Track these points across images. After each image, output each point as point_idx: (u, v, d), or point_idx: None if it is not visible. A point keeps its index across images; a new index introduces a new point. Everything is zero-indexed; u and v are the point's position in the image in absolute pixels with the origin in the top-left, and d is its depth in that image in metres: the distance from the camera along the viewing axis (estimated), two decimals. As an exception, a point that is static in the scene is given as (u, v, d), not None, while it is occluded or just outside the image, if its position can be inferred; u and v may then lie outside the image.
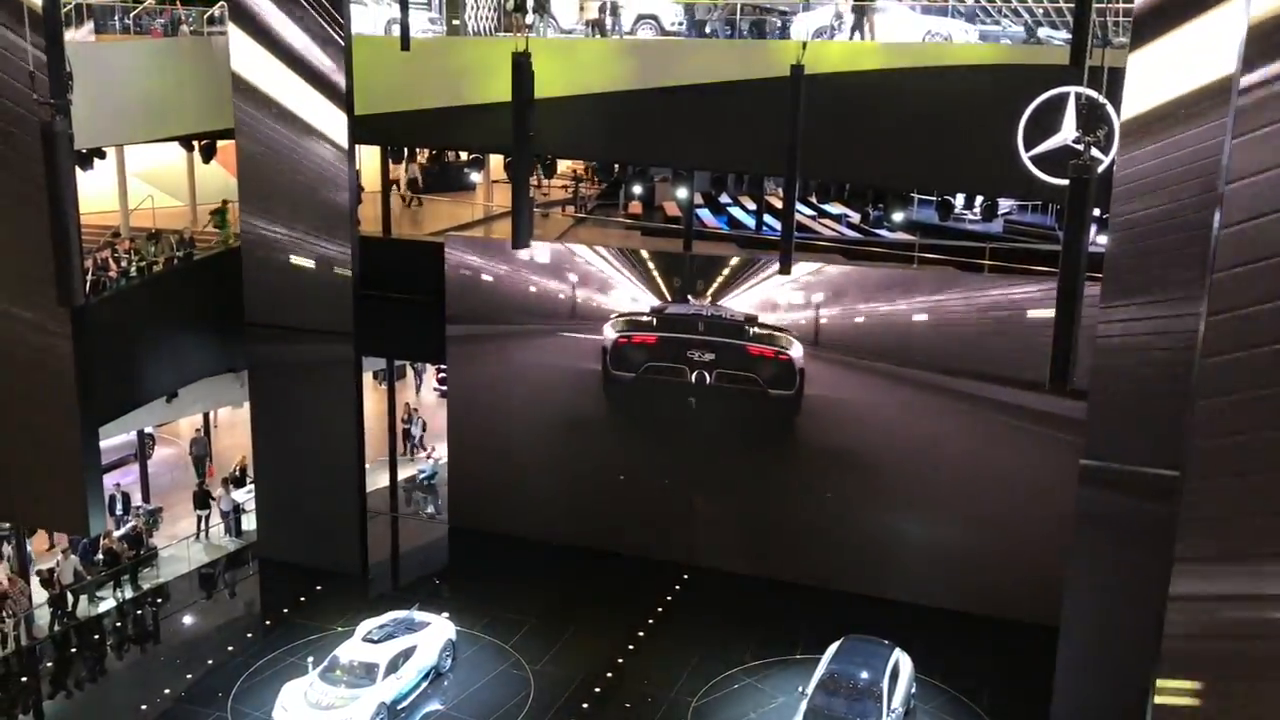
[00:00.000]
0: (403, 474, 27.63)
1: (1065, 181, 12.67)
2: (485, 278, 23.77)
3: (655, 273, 22.85)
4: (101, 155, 21.72)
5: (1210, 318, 11.90)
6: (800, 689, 17.64)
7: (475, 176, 28.69)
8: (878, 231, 28.20)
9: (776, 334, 22.48)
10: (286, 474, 22.92)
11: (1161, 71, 14.29)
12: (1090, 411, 15.84)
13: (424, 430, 29.96)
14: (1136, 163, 14.71)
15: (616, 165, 27.54)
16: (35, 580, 21.18)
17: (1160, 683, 12.88)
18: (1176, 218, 14.44)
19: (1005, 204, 28.51)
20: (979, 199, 26.47)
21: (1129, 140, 14.75)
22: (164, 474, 27.90)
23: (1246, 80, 11.39)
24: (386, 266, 23.28)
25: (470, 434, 24.72)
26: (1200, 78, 13.92)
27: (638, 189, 27.06)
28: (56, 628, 20.97)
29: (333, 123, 20.72)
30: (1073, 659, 16.48)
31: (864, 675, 17.47)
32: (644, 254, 23.29)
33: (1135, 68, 14.51)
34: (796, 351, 22.19)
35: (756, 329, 22.54)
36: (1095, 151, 12.50)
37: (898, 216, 26.95)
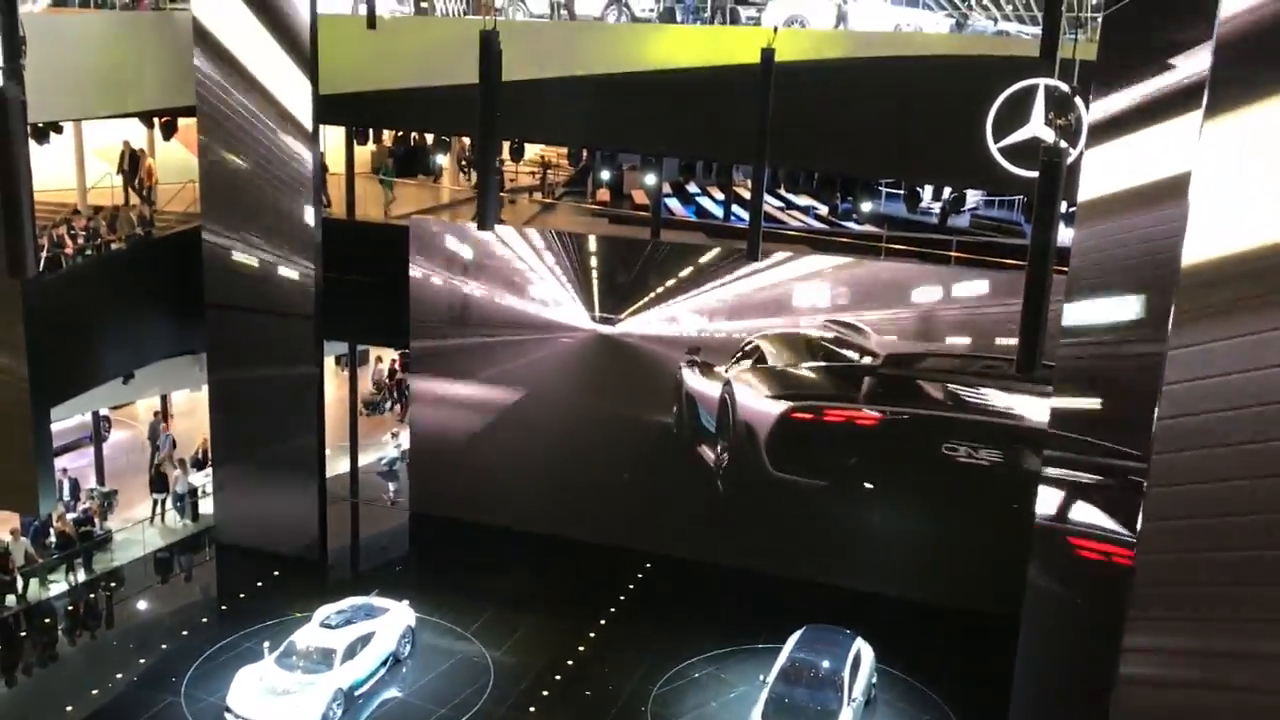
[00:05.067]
0: (364, 460, 27.35)
1: (1034, 174, 12.69)
2: (447, 283, 23.41)
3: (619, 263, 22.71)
4: (58, 130, 21.27)
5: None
6: (761, 678, 17.61)
7: (441, 160, 28.41)
8: (845, 224, 28.22)
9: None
10: (245, 458, 22.63)
11: (1131, 68, 14.30)
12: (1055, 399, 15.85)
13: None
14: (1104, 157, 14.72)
15: (585, 151, 27.36)
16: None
17: (1124, 670, 12.97)
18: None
19: (972, 199, 28.63)
20: (946, 192, 26.54)
21: (1097, 137, 14.76)
22: (119, 457, 27.44)
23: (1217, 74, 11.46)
24: (350, 249, 22.99)
25: (432, 420, 24.50)
26: (1171, 78, 13.94)
27: (606, 175, 26.87)
28: (6, 610, 20.57)
29: (297, 102, 20.43)
30: (1033, 648, 16.52)
31: (825, 664, 17.46)
32: (591, 242, 23.11)
33: (1105, 62, 14.51)
34: None
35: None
36: (1064, 143, 12.52)
37: (865, 208, 26.99)
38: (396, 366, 32.07)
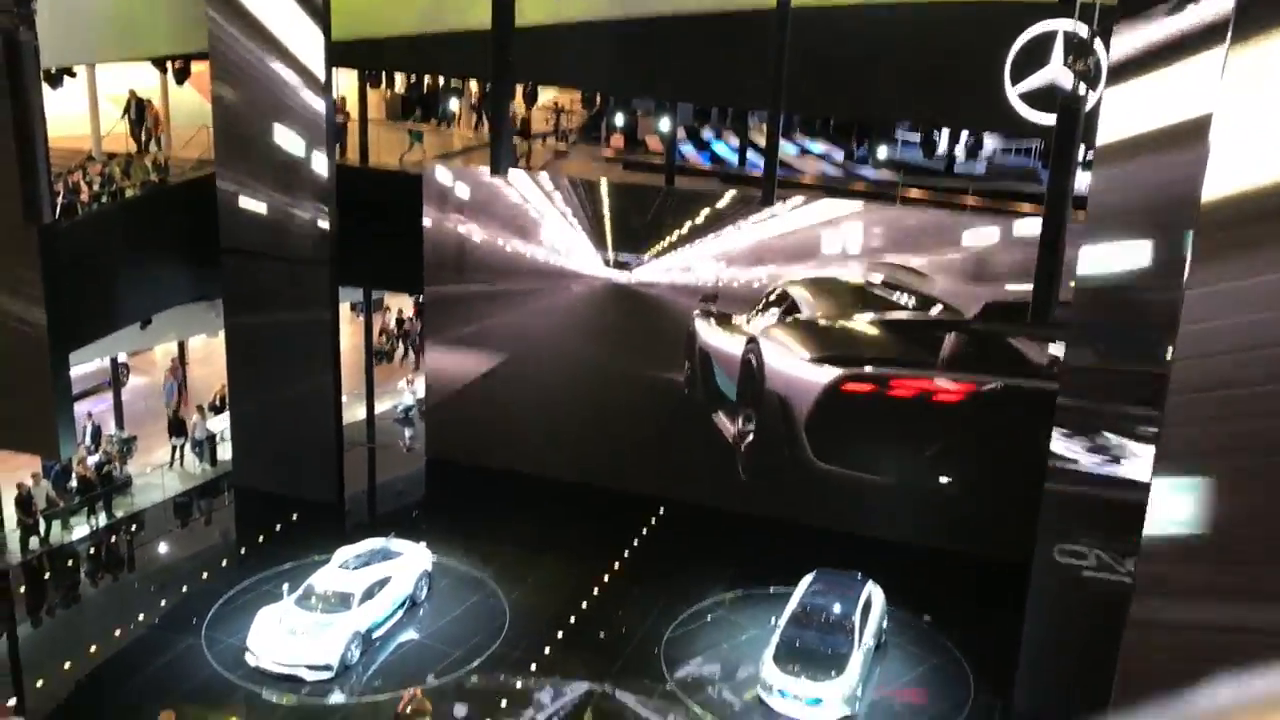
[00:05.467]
0: (380, 406, 27.53)
1: (1052, 119, 12.60)
2: (461, 229, 23.32)
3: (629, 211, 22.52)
4: (71, 74, 21.23)
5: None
6: (773, 621, 17.80)
7: (454, 105, 28.26)
8: (861, 170, 28.05)
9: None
10: (262, 403, 22.78)
11: (1151, 7, 14.11)
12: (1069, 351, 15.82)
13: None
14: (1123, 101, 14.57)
15: (599, 97, 27.19)
16: (9, 503, 21.01)
17: (1133, 613, 13.05)
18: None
19: (989, 146, 28.39)
20: (963, 138, 26.33)
21: (1116, 78, 14.60)
22: (138, 402, 27.68)
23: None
24: (364, 196, 22.95)
25: (447, 366, 24.57)
26: (1191, 17, 13.76)
27: (620, 121, 26.70)
28: (29, 553, 20.88)
29: (310, 46, 20.28)
30: (1045, 594, 16.65)
31: (836, 608, 17.62)
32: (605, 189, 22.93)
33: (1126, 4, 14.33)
34: None
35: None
36: (1083, 88, 12.40)
37: (882, 154, 26.81)
38: (404, 315, 32.05)
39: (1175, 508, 12.72)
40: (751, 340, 21.51)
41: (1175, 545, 12.96)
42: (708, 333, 22.38)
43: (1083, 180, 16.29)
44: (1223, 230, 11.72)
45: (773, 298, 21.42)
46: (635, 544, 21.87)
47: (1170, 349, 12.40)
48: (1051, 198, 12.39)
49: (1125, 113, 14.07)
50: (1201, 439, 12.42)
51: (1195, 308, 11.95)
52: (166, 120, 24.81)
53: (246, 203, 21.43)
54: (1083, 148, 15.23)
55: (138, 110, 23.78)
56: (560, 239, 22.96)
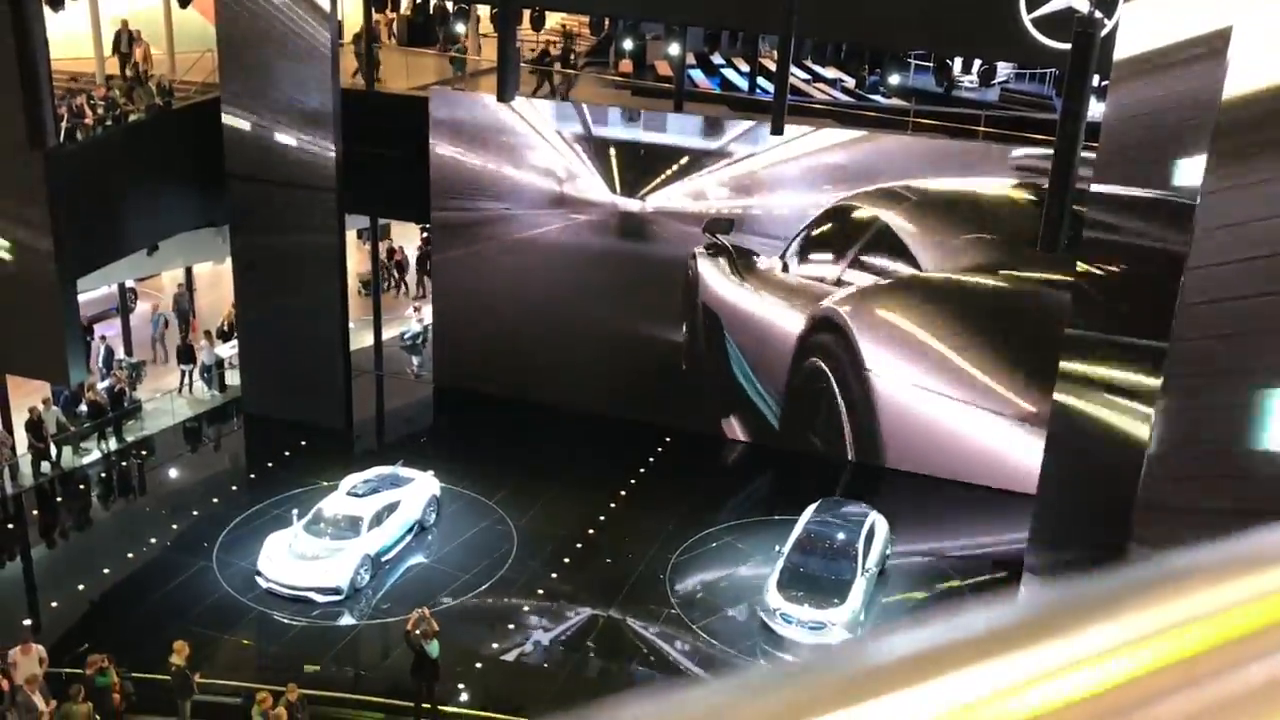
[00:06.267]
0: (387, 334, 27.56)
1: (1067, 45, 12.40)
2: (470, 162, 23.11)
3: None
4: (73, -4, 20.96)
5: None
6: (777, 548, 17.98)
7: (461, 28, 27.87)
8: (872, 97, 27.70)
9: None
10: (270, 330, 22.81)
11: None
12: (1078, 281, 15.75)
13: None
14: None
15: (607, 21, 26.78)
16: (21, 428, 21.18)
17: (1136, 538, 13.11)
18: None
19: (1003, 72, 27.98)
20: (976, 65, 25.94)
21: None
22: (146, 328, 27.73)
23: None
24: (369, 121, 22.75)
25: (456, 294, 24.53)
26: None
27: (629, 45, 26.32)
28: (41, 477, 21.09)
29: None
30: (1046, 523, 16.75)
31: (840, 535, 17.80)
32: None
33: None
34: None
35: None
36: (1099, 13, 12.19)
37: (894, 81, 26.46)
38: (394, 245, 31.40)
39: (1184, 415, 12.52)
40: (823, 319, 21.58)
41: (1179, 459, 12.84)
42: (718, 282, 22.25)
43: (1096, 109, 16.08)
44: (1241, 132, 11.39)
45: (843, 227, 21.22)
46: (641, 472, 22.01)
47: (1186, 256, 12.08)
48: (1064, 125, 12.24)
49: (1143, 29, 13.75)
50: (1208, 349, 12.25)
51: (1210, 213, 11.72)
52: (171, 47, 24.50)
53: (251, 128, 21.27)
54: (1097, 76, 15.00)
55: (128, 44, 23.41)
56: (567, 166, 22.78)
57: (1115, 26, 14.64)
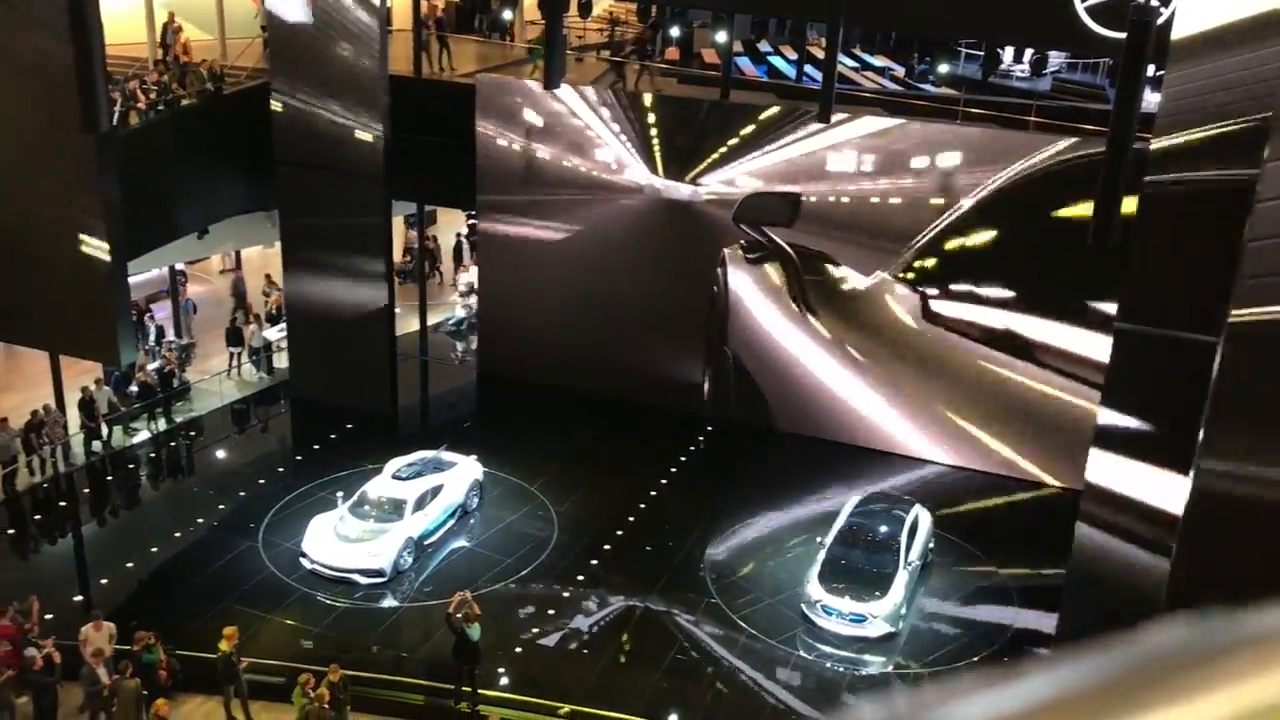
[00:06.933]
0: (432, 319, 27.73)
1: (1121, 34, 12.19)
2: (515, 146, 23.11)
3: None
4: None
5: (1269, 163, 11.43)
6: (819, 539, 17.91)
7: (508, 15, 27.89)
8: (922, 86, 27.43)
9: None
10: (317, 314, 22.99)
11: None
12: (1129, 273, 15.50)
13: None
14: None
15: (654, 8, 26.69)
16: (73, 407, 21.53)
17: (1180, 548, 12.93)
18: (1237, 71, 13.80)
19: (1055, 61, 27.62)
20: (1027, 54, 25.60)
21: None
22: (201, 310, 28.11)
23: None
24: (417, 108, 22.85)
25: (499, 282, 24.60)
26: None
27: (676, 33, 26.20)
28: (92, 456, 21.45)
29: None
30: (1093, 522, 16.53)
31: (883, 528, 17.69)
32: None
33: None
34: None
35: None
36: (1155, 1, 11.97)
37: (943, 70, 26.17)
38: (428, 233, 31.32)
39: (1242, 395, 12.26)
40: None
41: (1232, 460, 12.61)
42: (760, 305, 21.81)
43: (1151, 100, 15.80)
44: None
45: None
46: (683, 460, 22.00)
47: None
48: (1117, 116, 12.02)
49: (1201, 8, 13.46)
50: (1270, 324, 11.98)
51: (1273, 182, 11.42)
52: (222, 33, 24.69)
53: (299, 114, 21.43)
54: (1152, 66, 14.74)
55: (170, 36, 23.62)
56: (613, 153, 22.72)
57: (1172, 15, 14.39)
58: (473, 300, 28.25)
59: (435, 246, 30.98)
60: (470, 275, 28.91)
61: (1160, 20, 13.30)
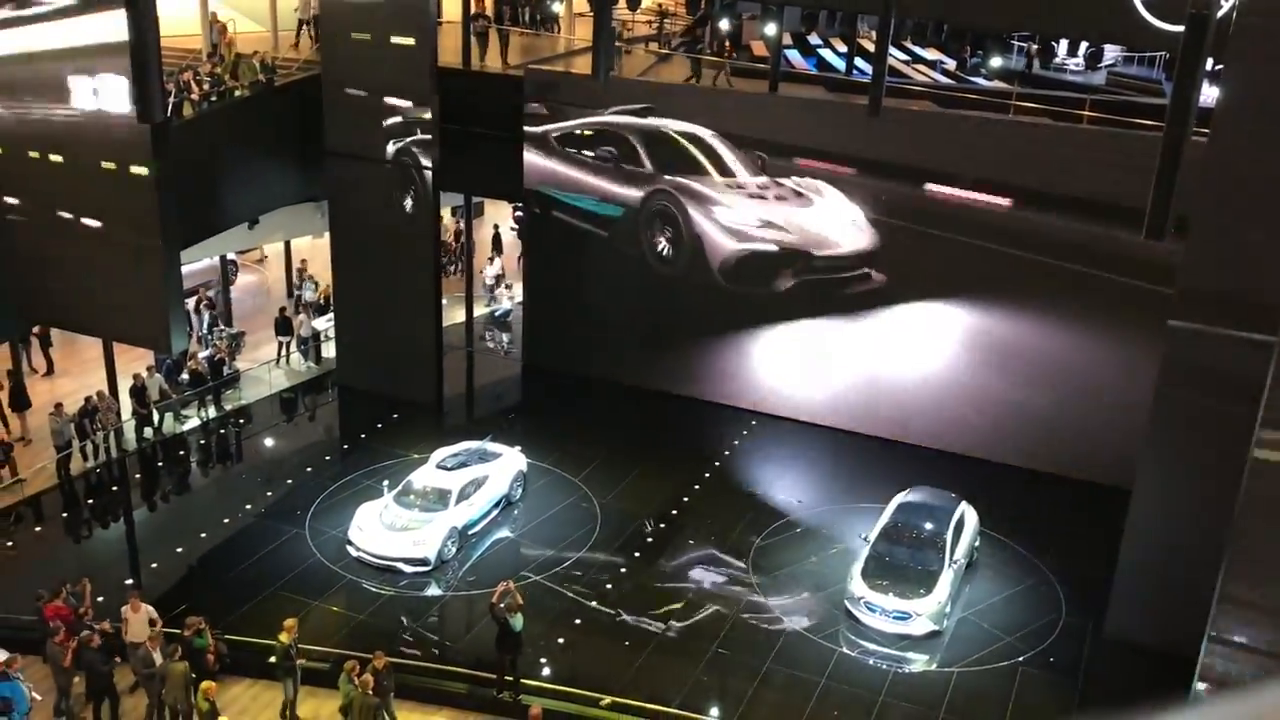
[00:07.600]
0: (478, 311, 27.85)
1: (1179, 28, 11.93)
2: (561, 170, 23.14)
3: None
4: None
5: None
6: (864, 536, 17.79)
7: (557, 7, 27.93)
8: (973, 79, 27.12)
9: None
10: (365, 304, 23.18)
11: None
12: (1183, 273, 15.25)
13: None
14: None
15: (704, 0, 26.58)
16: (125, 394, 21.85)
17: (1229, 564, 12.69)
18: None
19: (1110, 55, 27.21)
20: (1083, 47, 25.23)
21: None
22: (246, 300, 28.46)
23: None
24: (465, 100, 22.93)
25: (545, 275, 24.65)
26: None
27: (725, 25, 26.09)
28: (144, 442, 21.75)
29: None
30: (1142, 524, 16.28)
31: (928, 525, 17.54)
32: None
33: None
34: None
35: None
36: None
37: (995, 63, 25.87)
38: (461, 227, 31.35)
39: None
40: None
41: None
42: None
43: (1208, 94, 15.50)
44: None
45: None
46: (727, 454, 21.95)
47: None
48: (1174, 111, 11.79)
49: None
50: None
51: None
52: (274, 25, 24.92)
53: (349, 106, 21.59)
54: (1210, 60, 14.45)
55: (217, 34, 23.92)
56: (660, 147, 22.65)
57: (1231, 8, 14.09)
58: (502, 291, 28.35)
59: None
60: (495, 267, 29.05)
61: (1219, 14, 13.02)
